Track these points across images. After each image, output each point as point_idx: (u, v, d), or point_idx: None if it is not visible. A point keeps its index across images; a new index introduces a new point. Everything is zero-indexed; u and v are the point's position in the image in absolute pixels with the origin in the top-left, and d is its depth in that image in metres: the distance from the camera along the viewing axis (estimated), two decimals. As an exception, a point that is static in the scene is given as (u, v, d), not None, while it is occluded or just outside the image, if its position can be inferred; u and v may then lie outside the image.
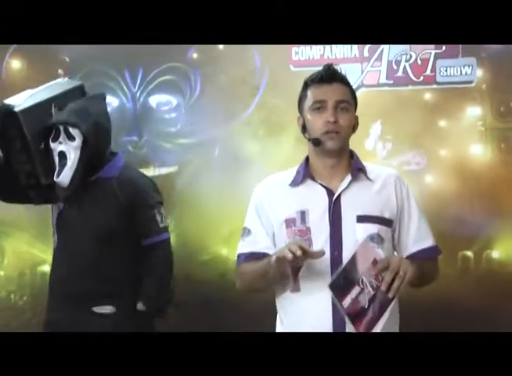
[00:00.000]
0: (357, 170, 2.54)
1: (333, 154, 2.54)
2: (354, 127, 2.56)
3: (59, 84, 3.07)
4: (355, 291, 2.36)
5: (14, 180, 2.96)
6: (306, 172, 2.57)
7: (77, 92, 3.06)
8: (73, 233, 3.08)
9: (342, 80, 2.55)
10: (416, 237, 2.58)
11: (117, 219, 3.03)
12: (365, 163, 2.58)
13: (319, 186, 2.54)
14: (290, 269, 2.42)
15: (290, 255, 2.31)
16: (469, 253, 4.71)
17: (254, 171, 4.38)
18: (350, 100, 2.54)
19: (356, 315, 2.37)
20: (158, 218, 3.13)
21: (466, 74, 4.61)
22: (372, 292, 2.38)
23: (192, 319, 4.72)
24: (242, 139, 4.69)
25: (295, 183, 2.58)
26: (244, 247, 2.66)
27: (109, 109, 4.75)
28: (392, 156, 4.64)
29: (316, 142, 2.52)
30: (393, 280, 2.32)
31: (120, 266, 3.08)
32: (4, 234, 4.60)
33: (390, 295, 2.34)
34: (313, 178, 2.55)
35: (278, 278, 2.52)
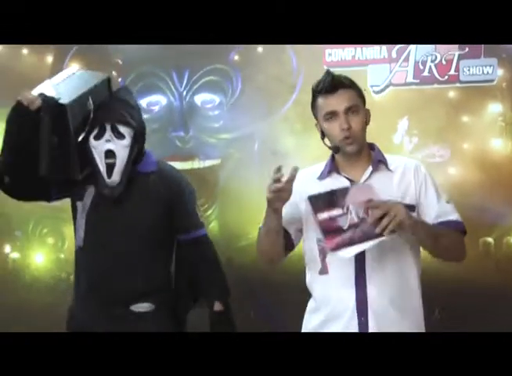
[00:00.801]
0: (377, 162, 2.63)
1: (354, 154, 2.59)
2: (367, 122, 2.58)
3: (84, 76, 2.90)
4: (336, 212, 2.39)
5: (37, 174, 2.74)
6: (332, 167, 2.67)
7: (106, 85, 2.89)
8: (110, 230, 2.86)
9: (344, 85, 2.59)
10: (438, 213, 2.60)
11: (158, 214, 2.88)
12: (386, 155, 2.65)
13: (344, 178, 2.63)
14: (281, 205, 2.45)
15: (270, 194, 2.40)
16: (489, 239, 4.72)
17: (290, 163, 4.39)
18: (357, 102, 2.59)
19: (330, 231, 2.39)
20: (198, 212, 3.04)
21: (487, 73, 4.60)
22: (355, 220, 2.39)
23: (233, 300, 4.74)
24: (279, 133, 4.72)
25: (322, 177, 2.69)
26: None
27: (158, 107, 4.87)
28: (418, 149, 4.65)
29: (336, 150, 2.61)
30: (382, 217, 2.32)
31: (158, 263, 2.93)
32: (63, 220, 4.67)
33: (377, 230, 2.35)
34: (338, 172, 2.62)
35: (277, 226, 2.58)
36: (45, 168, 2.73)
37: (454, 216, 2.64)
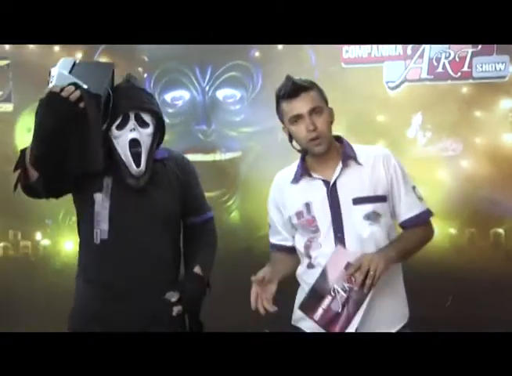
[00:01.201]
0: (347, 158, 2.64)
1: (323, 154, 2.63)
2: (331, 120, 2.61)
3: (93, 66, 2.85)
4: (327, 301, 2.45)
5: (62, 169, 2.61)
6: (303, 169, 2.70)
7: (112, 74, 2.75)
8: (136, 220, 2.76)
9: (305, 88, 2.63)
10: (406, 206, 2.67)
11: (177, 200, 2.83)
12: (355, 147, 2.68)
13: (316, 180, 2.66)
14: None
15: (252, 299, 2.59)
16: (500, 230, 4.73)
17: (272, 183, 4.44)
18: (320, 102, 2.61)
19: (329, 322, 2.47)
20: (205, 195, 3.01)
21: (499, 70, 4.62)
22: (344, 296, 2.44)
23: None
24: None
25: (296, 180, 2.71)
26: (271, 238, 2.80)
27: (181, 102, 4.89)
28: (431, 143, 4.66)
29: (307, 152, 2.62)
30: (366, 278, 2.40)
31: (175, 249, 2.89)
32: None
33: (365, 291, 2.43)
34: (309, 174, 2.64)
35: (285, 275, 2.72)
36: (100, 162, 2.64)
37: (418, 208, 2.68)
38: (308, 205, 2.64)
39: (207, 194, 4.98)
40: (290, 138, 2.68)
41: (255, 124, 4.95)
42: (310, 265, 2.65)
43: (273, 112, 4.78)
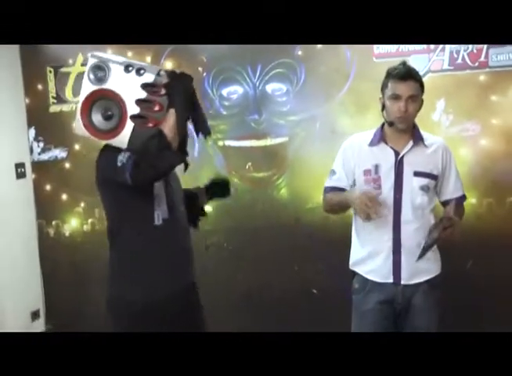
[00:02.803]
0: (418, 138, 2.78)
1: (403, 130, 2.89)
2: (420, 108, 2.85)
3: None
4: (434, 234, 2.75)
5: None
6: (380, 137, 2.85)
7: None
8: (176, 199, 2.68)
9: (414, 77, 2.82)
10: (453, 189, 2.96)
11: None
12: (423, 132, 2.94)
13: (389, 148, 2.80)
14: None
15: (363, 217, 2.72)
16: (515, 199, 4.66)
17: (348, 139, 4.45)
18: (419, 93, 2.85)
19: (425, 249, 2.77)
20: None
21: (512, 59, 4.54)
22: (435, 236, 2.74)
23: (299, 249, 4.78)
24: (337, 116, 4.79)
25: (372, 144, 2.89)
26: (330, 182, 2.99)
27: (236, 96, 4.94)
28: (453, 125, 4.66)
29: (391, 124, 2.77)
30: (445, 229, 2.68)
31: None
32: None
33: (434, 235, 2.74)
34: (385, 142, 2.77)
35: (347, 208, 2.93)
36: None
37: (460, 192, 2.97)
38: (376, 167, 2.82)
39: (259, 175, 5.08)
40: (383, 108, 2.88)
41: (300, 113, 4.98)
42: (367, 219, 2.75)
43: (315, 102, 4.87)
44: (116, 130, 2.44)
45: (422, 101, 2.89)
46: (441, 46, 4.61)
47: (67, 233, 5.34)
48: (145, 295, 2.54)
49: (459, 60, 4.62)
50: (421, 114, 4.73)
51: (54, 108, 5.27)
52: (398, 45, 4.73)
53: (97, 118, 2.46)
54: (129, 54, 4.99)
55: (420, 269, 2.85)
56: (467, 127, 4.62)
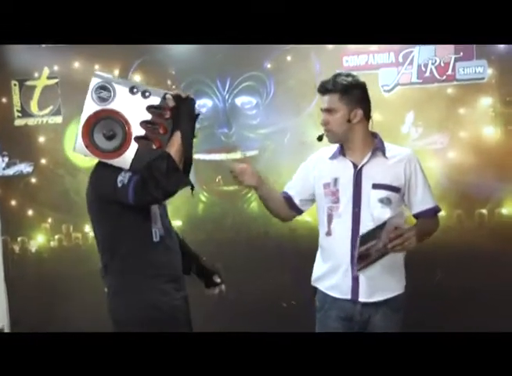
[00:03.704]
0: (376, 149, 2.77)
1: (342, 142, 2.83)
2: (349, 120, 2.74)
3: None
4: (372, 243, 2.57)
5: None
6: (340, 150, 2.82)
7: None
8: (165, 215, 2.72)
9: (331, 91, 2.78)
10: (422, 200, 2.84)
11: None
12: (387, 144, 2.86)
13: (348, 161, 2.78)
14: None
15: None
16: (483, 211, 4.79)
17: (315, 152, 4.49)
18: (336, 105, 2.76)
19: (362, 258, 2.59)
20: None
21: (479, 72, 4.65)
22: (380, 246, 2.59)
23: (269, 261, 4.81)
24: (306, 128, 4.80)
25: (333, 157, 2.86)
26: (286, 187, 3.01)
27: (205, 109, 4.96)
28: (422, 137, 4.72)
29: (319, 138, 2.80)
30: (399, 245, 2.58)
31: None
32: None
33: (389, 252, 2.61)
34: (344, 155, 2.77)
35: (265, 195, 2.92)
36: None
37: (432, 202, 2.85)
38: (335, 180, 2.80)
39: (230, 188, 5.10)
40: None
41: (269, 125, 5.02)
42: (328, 233, 2.81)
43: (284, 115, 4.90)
44: (119, 150, 2.46)
45: (354, 112, 2.75)
46: (409, 60, 4.66)
47: (33, 250, 5.26)
48: (151, 309, 2.56)
49: (427, 73, 4.67)
50: (390, 127, 4.86)
51: (19, 122, 5.20)
52: (366, 59, 4.78)
53: (99, 138, 2.46)
54: (96, 66, 5.00)
55: (380, 287, 2.77)
56: (436, 139, 4.68)
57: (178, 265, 2.72)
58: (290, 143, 4.91)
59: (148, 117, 2.45)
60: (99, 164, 2.56)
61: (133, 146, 2.46)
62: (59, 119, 5.19)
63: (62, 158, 5.16)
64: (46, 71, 5.15)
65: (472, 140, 4.66)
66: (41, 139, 5.27)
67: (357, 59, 4.83)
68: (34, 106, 5.21)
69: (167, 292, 2.60)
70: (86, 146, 2.47)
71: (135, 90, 2.46)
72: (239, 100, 5.08)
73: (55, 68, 5.19)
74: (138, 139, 2.45)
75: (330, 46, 4.73)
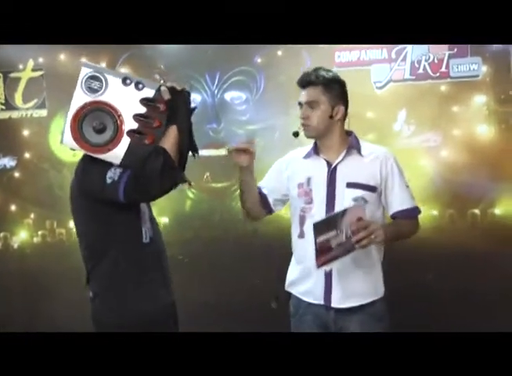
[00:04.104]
0: (351, 147, 2.72)
1: (320, 138, 2.75)
2: (332, 116, 2.68)
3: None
4: (331, 234, 2.46)
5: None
6: (314, 149, 2.76)
7: None
8: (155, 221, 2.62)
9: (313, 83, 2.71)
10: (399, 200, 2.72)
11: None
12: (362, 142, 2.78)
13: (322, 159, 2.72)
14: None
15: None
16: (476, 211, 4.78)
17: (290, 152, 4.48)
18: (319, 98, 2.69)
19: (322, 251, 2.47)
20: None
21: (473, 70, 4.63)
22: (343, 239, 2.47)
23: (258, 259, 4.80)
24: (297, 125, 4.74)
25: (307, 156, 2.83)
26: (261, 182, 2.90)
27: (194, 104, 4.91)
28: (415, 135, 4.71)
29: (295, 134, 2.73)
30: (364, 237, 2.46)
31: None
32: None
33: (356, 246, 2.48)
34: (318, 154, 2.71)
35: (248, 180, 2.82)
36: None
37: (410, 203, 2.73)
38: (309, 179, 2.71)
39: (218, 185, 5.07)
40: None
41: (259, 122, 5.00)
42: (301, 235, 2.72)
43: (275, 111, 4.87)
44: (109, 144, 2.34)
45: (337, 108, 2.70)
46: (402, 56, 4.64)
47: (16, 246, 5.22)
48: (141, 316, 2.43)
49: (421, 70, 4.65)
50: (382, 124, 4.86)
51: (3, 115, 5.14)
52: (358, 55, 4.75)
53: (88, 131, 2.34)
54: (82, 59, 4.94)
55: (354, 291, 2.68)
56: (429, 137, 4.66)
57: (167, 267, 2.59)
58: (280, 140, 4.88)
59: (141, 110, 2.34)
60: (86, 158, 2.43)
61: (125, 141, 2.34)
62: (43, 112, 5.16)
63: (46, 152, 5.12)
64: (31, 63, 5.09)
65: (465, 139, 4.63)
66: (26, 133, 5.24)
67: (349, 54, 4.80)
68: (18, 99, 5.15)
69: (158, 298, 2.49)
70: (74, 139, 2.34)
71: (127, 81, 2.35)
72: (229, 95, 5.06)
73: (41, 60, 5.15)
74: (130, 133, 2.34)
75: (322, 41, 4.70)
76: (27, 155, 5.17)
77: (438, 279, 4.57)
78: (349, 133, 2.79)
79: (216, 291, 4.88)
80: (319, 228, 2.47)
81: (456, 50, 4.61)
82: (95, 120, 2.34)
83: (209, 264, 4.93)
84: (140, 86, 2.34)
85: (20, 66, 5.11)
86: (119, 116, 2.34)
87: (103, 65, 4.92)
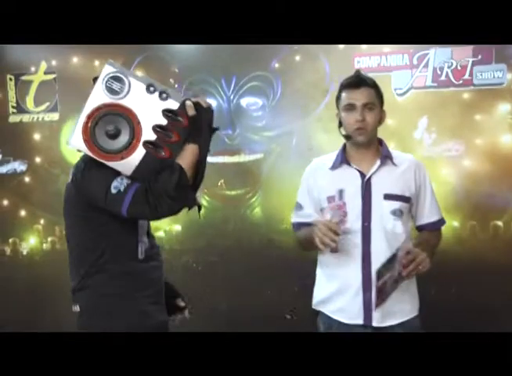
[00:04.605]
0: (385, 157, 2.62)
1: (363, 145, 2.61)
2: (380, 120, 2.59)
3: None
4: (389, 275, 2.41)
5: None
6: (343, 158, 2.68)
7: None
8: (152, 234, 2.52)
9: (368, 84, 2.60)
10: (428, 212, 2.67)
11: None
12: (391, 150, 2.68)
13: (354, 170, 2.64)
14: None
15: (321, 246, 2.42)
16: (499, 222, 4.70)
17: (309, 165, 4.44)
18: (375, 101, 2.58)
19: (379, 291, 2.43)
20: None
21: (498, 77, 4.57)
22: (396, 275, 2.42)
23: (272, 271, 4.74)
24: (314, 131, 4.74)
25: (334, 167, 2.68)
26: (296, 218, 2.77)
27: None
28: (436, 144, 4.64)
29: (347, 138, 2.61)
30: (413, 270, 2.38)
31: None
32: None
33: (403, 274, 2.42)
34: (349, 163, 2.61)
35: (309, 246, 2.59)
36: None
37: (438, 215, 2.70)
38: (341, 192, 2.60)
39: (232, 193, 5.03)
40: (340, 124, 2.65)
41: (275, 128, 4.96)
42: (333, 249, 2.55)
43: (291, 117, 4.85)
44: (122, 153, 2.22)
45: (383, 113, 2.65)
46: (424, 62, 4.58)
47: (25, 252, 5.20)
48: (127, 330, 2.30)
49: (443, 77, 4.59)
50: (402, 132, 4.81)
51: (14, 118, 5.14)
52: (379, 60, 4.71)
53: (100, 134, 2.22)
54: (96, 62, 4.94)
55: (393, 309, 2.60)
56: (450, 146, 4.59)
57: (162, 285, 2.47)
58: (297, 147, 4.85)
59: (162, 121, 2.22)
60: (88, 161, 2.29)
61: (139, 151, 2.21)
62: (55, 116, 5.16)
63: (57, 157, 5.10)
64: (43, 66, 5.08)
65: (488, 148, 4.54)
66: (37, 137, 5.23)
67: (369, 60, 4.77)
68: (29, 102, 5.14)
69: (150, 315, 2.37)
70: (84, 141, 2.21)
71: (151, 89, 2.22)
72: (245, 101, 5.02)
73: (53, 63, 5.14)
74: (146, 144, 2.21)
75: (341, 46, 4.66)
76: (37, 159, 5.15)
77: (459, 292, 4.50)
78: (379, 141, 2.70)
79: (228, 300, 4.84)
80: (381, 274, 2.41)
81: (480, 57, 4.55)
82: (110, 124, 2.22)
83: (222, 273, 4.89)
84: (164, 96, 2.21)
85: (32, 69, 5.10)
86: (138, 123, 2.21)
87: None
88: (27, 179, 5.17)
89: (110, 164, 2.22)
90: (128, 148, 2.21)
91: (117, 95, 2.20)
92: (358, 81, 2.59)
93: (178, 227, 5.04)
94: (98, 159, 2.23)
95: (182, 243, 4.84)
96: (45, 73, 5.08)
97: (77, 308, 2.36)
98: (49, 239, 5.16)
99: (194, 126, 2.23)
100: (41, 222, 5.16)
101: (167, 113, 2.21)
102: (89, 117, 2.20)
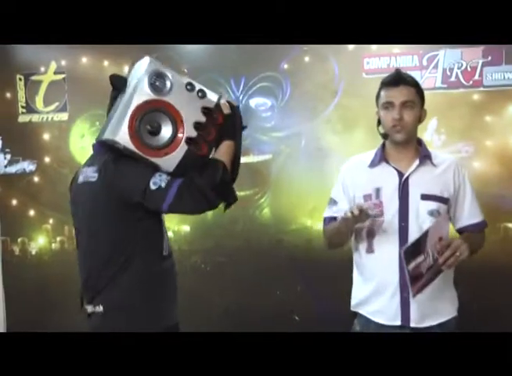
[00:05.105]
0: (424, 156, 2.60)
1: (401, 143, 2.60)
2: (420, 118, 2.58)
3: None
4: (420, 259, 2.39)
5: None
6: (381, 156, 2.67)
7: None
8: None
9: (407, 82, 2.61)
10: (468, 214, 2.68)
11: None
12: (430, 150, 2.68)
13: (392, 168, 2.64)
14: (354, 226, 2.52)
15: (349, 214, 2.42)
16: (510, 225, 4.67)
17: (332, 158, 4.44)
18: (414, 99, 2.58)
19: (415, 278, 2.41)
20: None
21: (508, 78, 4.53)
22: (431, 262, 2.41)
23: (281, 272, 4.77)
24: (323, 133, 4.75)
25: (373, 165, 2.69)
26: (329, 212, 2.74)
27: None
28: (445, 145, 4.63)
29: (385, 136, 2.62)
30: (450, 256, 2.37)
31: None
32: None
33: (443, 268, 2.42)
34: (387, 161, 2.62)
35: (348, 233, 2.64)
36: None
37: (479, 217, 2.71)
38: (378, 190, 2.60)
39: (241, 193, 5.08)
40: (378, 122, 2.66)
41: (284, 129, 4.97)
42: (370, 250, 2.61)
43: (300, 118, 4.86)
44: (165, 149, 2.27)
45: (423, 111, 2.64)
46: (433, 63, 4.57)
47: (34, 252, 5.24)
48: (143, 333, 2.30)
49: (453, 78, 4.58)
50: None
51: (23, 118, 5.18)
52: (388, 61, 4.70)
53: (143, 130, 2.25)
54: (105, 62, 4.98)
55: (432, 309, 2.59)
56: (460, 148, 4.58)
57: (177, 285, 2.51)
58: (306, 148, 4.86)
59: (202, 118, 2.29)
60: (119, 157, 2.29)
61: (182, 148, 2.28)
62: (64, 116, 5.19)
63: (66, 157, 5.15)
64: (53, 66, 5.12)
65: (498, 150, 4.53)
66: (46, 137, 5.26)
67: (378, 61, 4.75)
68: (39, 102, 5.19)
69: (164, 318, 2.41)
70: (131, 137, 2.23)
71: (189, 87, 2.31)
72: (254, 101, 5.02)
73: (63, 63, 5.17)
74: (189, 141, 2.28)
75: (351, 47, 4.67)
76: (46, 159, 5.19)
77: (468, 294, 4.49)
78: (418, 141, 2.70)
79: (237, 300, 4.87)
80: (408, 254, 2.39)
81: (489, 58, 4.53)
82: (153, 120, 2.26)
83: (231, 273, 4.92)
84: (201, 94, 2.31)
85: (42, 69, 5.14)
86: (181, 121, 2.27)
87: (126, 68, 4.94)
88: (36, 179, 5.22)
89: (154, 160, 2.26)
90: (171, 144, 2.27)
91: (160, 92, 2.25)
92: (397, 79, 2.61)
93: (186, 228, 5.07)
94: (143, 155, 2.25)
95: (190, 243, 4.87)
96: (55, 73, 5.12)
97: (99, 308, 2.37)
98: (58, 239, 5.19)
99: (229, 124, 2.32)
100: (50, 221, 5.20)
101: (206, 110, 2.30)
102: (136, 112, 2.23)
